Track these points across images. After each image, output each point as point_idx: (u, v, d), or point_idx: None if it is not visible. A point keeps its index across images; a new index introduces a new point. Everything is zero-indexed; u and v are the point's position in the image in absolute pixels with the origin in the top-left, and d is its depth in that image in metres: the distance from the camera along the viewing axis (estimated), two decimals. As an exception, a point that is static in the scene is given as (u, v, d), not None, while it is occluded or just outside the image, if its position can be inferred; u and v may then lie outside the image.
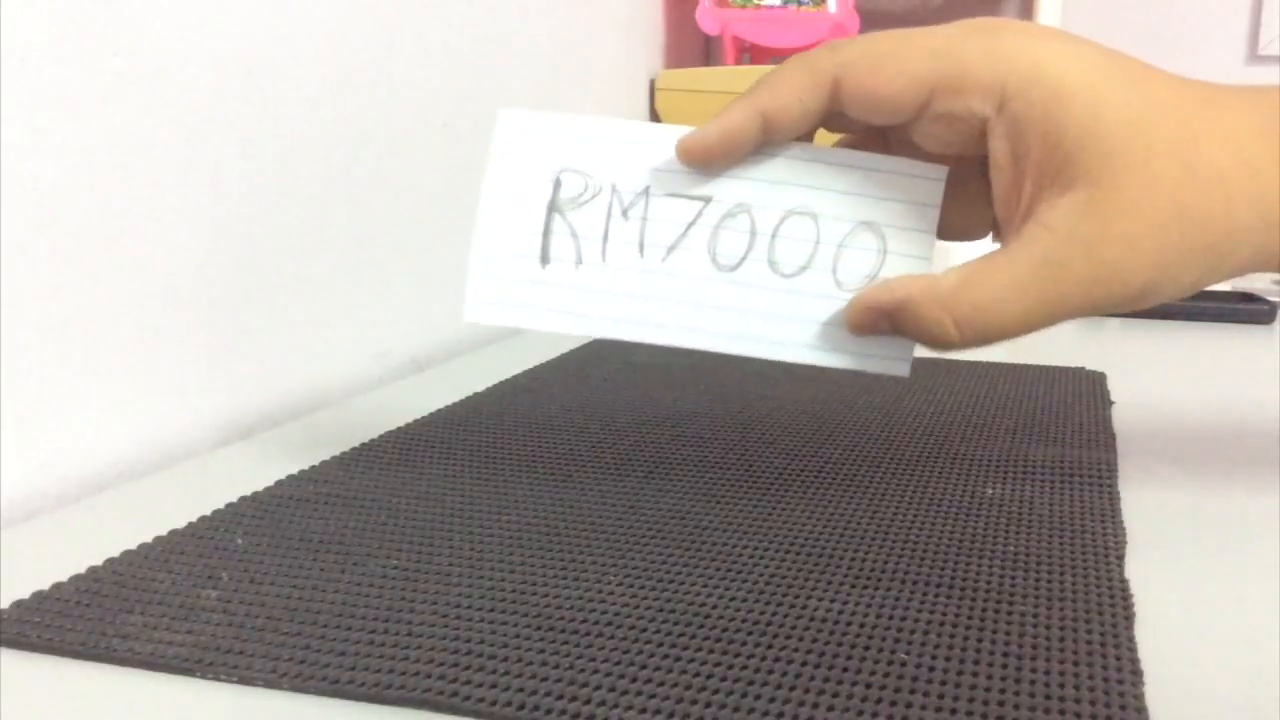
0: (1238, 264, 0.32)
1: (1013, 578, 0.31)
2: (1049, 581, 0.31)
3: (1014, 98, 0.32)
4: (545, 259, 0.35)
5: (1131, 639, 0.27)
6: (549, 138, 0.36)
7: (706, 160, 0.35)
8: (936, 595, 0.30)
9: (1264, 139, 0.31)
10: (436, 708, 0.24)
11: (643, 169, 0.36)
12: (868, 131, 0.37)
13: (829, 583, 0.31)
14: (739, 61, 1.05)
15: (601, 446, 0.44)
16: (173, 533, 0.35)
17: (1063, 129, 0.31)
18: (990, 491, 0.38)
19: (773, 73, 0.34)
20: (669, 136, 0.36)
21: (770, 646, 0.27)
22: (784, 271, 0.35)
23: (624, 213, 0.35)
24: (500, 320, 0.36)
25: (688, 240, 0.35)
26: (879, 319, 0.34)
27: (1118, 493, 0.38)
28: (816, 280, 0.35)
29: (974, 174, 0.35)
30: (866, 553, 0.33)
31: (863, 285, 0.35)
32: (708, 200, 0.35)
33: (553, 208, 0.35)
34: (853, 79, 0.33)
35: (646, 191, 0.36)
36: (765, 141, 0.35)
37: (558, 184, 0.36)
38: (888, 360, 0.35)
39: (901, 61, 0.32)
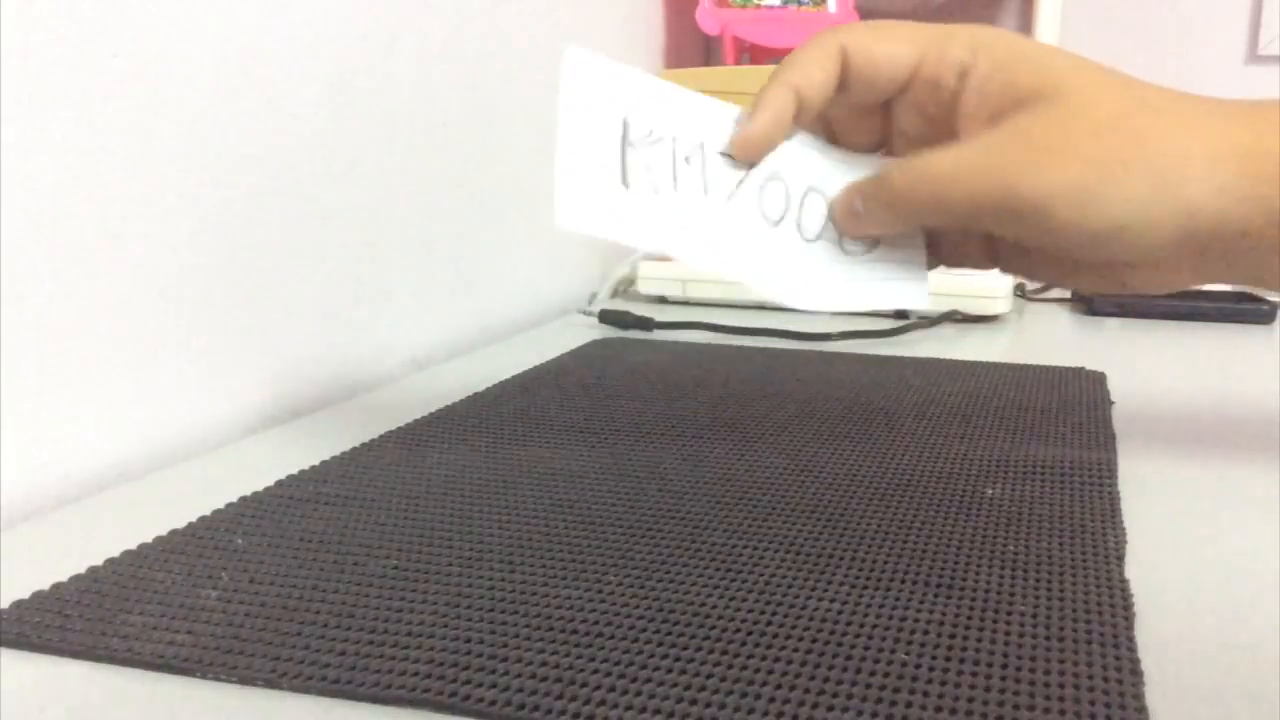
0: (1186, 201, 0.33)
1: (1013, 578, 0.31)
2: (1049, 581, 0.31)
3: (983, 55, 0.37)
4: (625, 181, 0.38)
5: (1131, 639, 0.27)
6: (615, 82, 0.38)
7: (766, 149, 0.39)
8: (936, 595, 0.30)
9: (1217, 108, 0.34)
10: (437, 708, 0.24)
11: (696, 128, 0.39)
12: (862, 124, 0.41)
13: (829, 583, 0.31)
14: (739, 61, 1.05)
15: (600, 446, 0.44)
16: (173, 533, 0.35)
17: (1020, 74, 0.36)
18: (990, 491, 0.38)
19: (789, 56, 0.39)
20: (718, 109, 0.39)
21: (770, 646, 0.27)
22: (807, 236, 0.40)
23: (685, 159, 0.38)
24: (590, 228, 0.37)
25: (740, 194, 0.39)
26: (854, 196, 0.39)
27: (1118, 493, 0.38)
28: (829, 247, 0.41)
29: None
30: (866, 553, 0.33)
31: (862, 251, 0.41)
32: (750, 165, 0.39)
33: (624, 141, 0.38)
34: (857, 45, 0.38)
35: (702, 148, 0.39)
36: (796, 119, 0.39)
37: (625, 123, 0.38)
38: (902, 286, 0.41)
39: (897, 31, 0.38)
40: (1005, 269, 0.42)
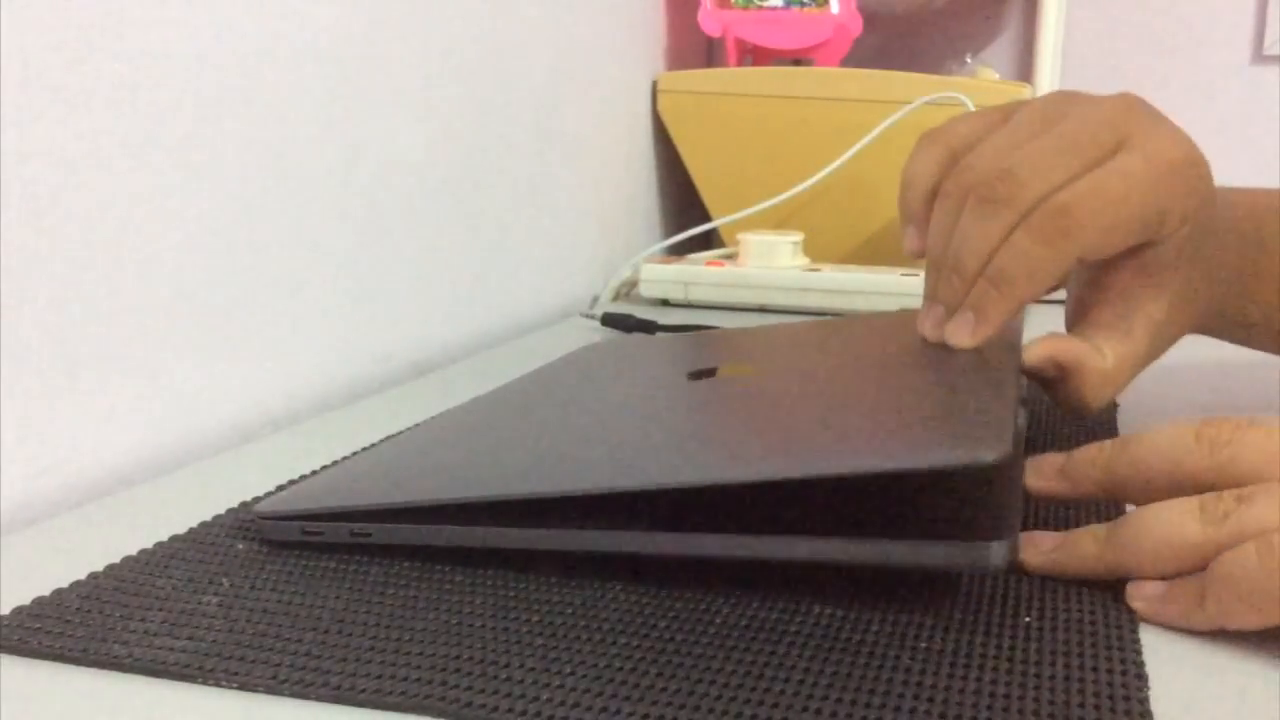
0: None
1: (1016, 581, 0.31)
2: (1052, 584, 0.30)
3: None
4: None
5: (1136, 642, 0.27)
6: None
7: None
8: (938, 597, 0.30)
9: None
10: (439, 714, 0.24)
11: None
12: None
13: (829, 583, 0.30)
14: (741, 63, 1.04)
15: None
16: (174, 538, 0.35)
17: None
18: (994, 494, 0.38)
19: None
20: None
21: (774, 650, 0.27)
22: None
23: None
24: None
25: None
26: (1047, 365, 0.43)
27: (1122, 495, 0.38)
28: None
29: None
30: (869, 556, 0.32)
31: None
32: None
33: None
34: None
35: None
36: None
37: None
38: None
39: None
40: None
